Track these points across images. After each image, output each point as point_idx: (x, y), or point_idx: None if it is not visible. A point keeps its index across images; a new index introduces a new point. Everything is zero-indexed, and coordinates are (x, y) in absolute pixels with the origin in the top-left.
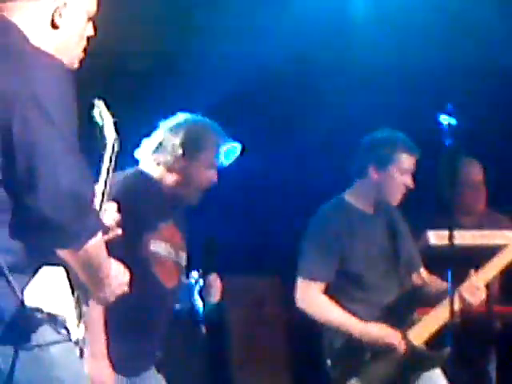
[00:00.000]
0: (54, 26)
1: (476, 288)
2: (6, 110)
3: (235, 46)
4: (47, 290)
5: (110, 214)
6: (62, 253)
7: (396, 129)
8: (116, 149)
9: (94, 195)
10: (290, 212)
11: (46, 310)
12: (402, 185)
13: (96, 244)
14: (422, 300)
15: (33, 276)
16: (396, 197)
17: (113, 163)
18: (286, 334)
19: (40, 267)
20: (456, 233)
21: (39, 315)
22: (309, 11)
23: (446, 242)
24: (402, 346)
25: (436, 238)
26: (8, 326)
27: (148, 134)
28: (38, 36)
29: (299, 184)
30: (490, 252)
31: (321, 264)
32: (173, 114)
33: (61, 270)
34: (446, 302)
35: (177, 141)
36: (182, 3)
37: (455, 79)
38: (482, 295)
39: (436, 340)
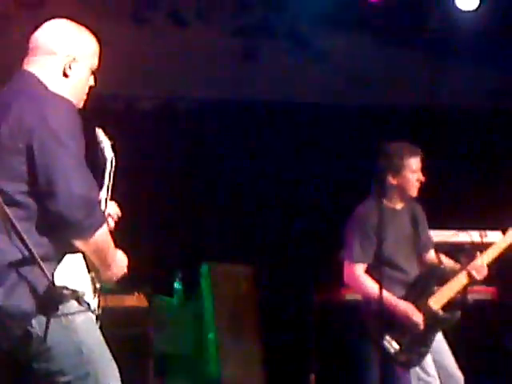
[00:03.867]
0: (65, 75)
1: (481, 267)
2: (30, 138)
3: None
4: (71, 272)
5: (113, 209)
6: (78, 243)
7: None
8: (113, 164)
9: (98, 198)
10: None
11: (70, 287)
12: (415, 181)
13: (102, 234)
14: (439, 277)
15: (59, 263)
16: (413, 191)
17: (112, 175)
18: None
19: (64, 255)
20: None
21: (65, 291)
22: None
23: None
24: (421, 323)
25: None
26: (43, 300)
27: None
28: (54, 83)
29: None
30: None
31: (362, 250)
32: None
33: (79, 257)
34: (458, 277)
35: None
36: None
37: None
38: (485, 273)
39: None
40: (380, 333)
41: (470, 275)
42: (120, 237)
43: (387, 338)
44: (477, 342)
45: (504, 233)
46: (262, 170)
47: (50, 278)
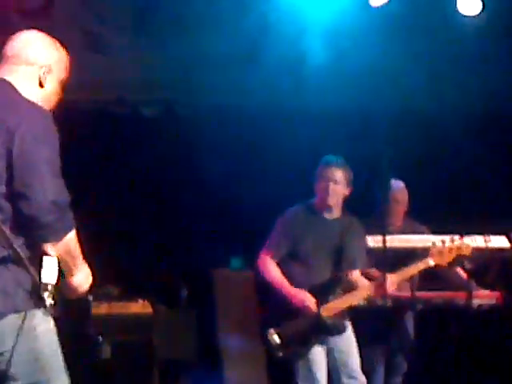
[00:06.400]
0: (40, 85)
1: (389, 284)
2: (10, 139)
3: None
4: (53, 273)
5: None
6: (48, 246)
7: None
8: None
9: (69, 202)
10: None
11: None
12: (325, 190)
13: (71, 238)
14: (345, 288)
15: (39, 264)
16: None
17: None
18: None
19: (40, 258)
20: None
21: (49, 287)
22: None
23: (379, 244)
24: (314, 311)
25: (372, 241)
26: (27, 298)
27: None
28: (29, 92)
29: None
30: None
31: (279, 244)
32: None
33: (55, 260)
34: (355, 292)
35: None
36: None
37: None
38: (387, 289)
39: None
40: (267, 325)
41: (369, 290)
42: (127, 244)
43: (271, 331)
44: (482, 346)
45: (508, 237)
46: (261, 177)
47: (37, 276)
